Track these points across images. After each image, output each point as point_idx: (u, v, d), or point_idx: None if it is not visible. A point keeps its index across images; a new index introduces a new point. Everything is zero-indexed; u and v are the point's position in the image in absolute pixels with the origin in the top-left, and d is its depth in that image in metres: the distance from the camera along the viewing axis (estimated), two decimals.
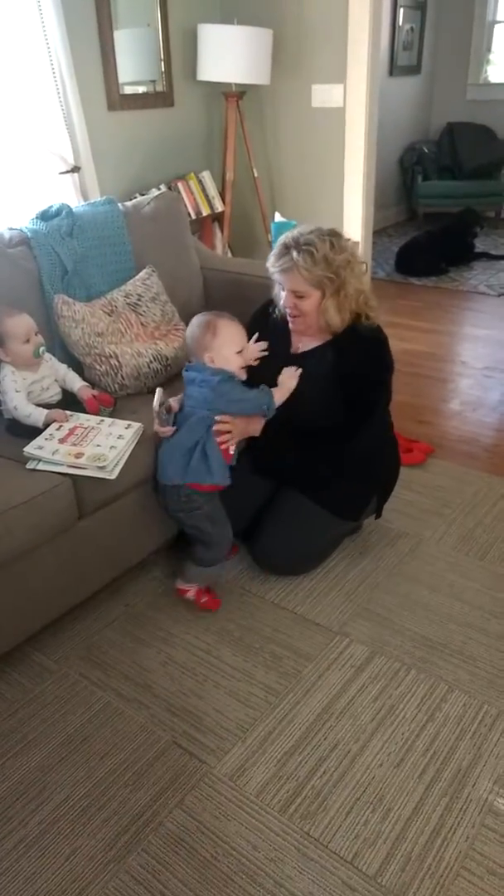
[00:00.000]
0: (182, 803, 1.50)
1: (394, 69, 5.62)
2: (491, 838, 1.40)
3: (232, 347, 1.86)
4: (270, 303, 2.15)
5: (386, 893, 1.32)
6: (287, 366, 2.03)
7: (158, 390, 2.04)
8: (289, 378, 1.91)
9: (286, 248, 1.88)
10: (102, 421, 2.03)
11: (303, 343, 2.05)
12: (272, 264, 1.92)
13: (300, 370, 1.92)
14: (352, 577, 2.12)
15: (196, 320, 1.88)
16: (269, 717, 1.69)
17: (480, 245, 5.07)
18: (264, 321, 2.13)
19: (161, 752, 1.61)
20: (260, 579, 2.14)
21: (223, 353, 1.86)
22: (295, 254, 1.84)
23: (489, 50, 6.12)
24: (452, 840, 1.40)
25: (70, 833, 1.45)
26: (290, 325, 1.99)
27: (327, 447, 2.00)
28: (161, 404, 2.01)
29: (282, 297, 1.97)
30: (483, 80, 6.09)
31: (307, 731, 1.65)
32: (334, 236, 1.89)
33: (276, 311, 2.11)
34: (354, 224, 3.92)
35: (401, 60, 5.70)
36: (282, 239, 1.92)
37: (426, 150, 5.80)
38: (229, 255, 3.86)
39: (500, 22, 6.08)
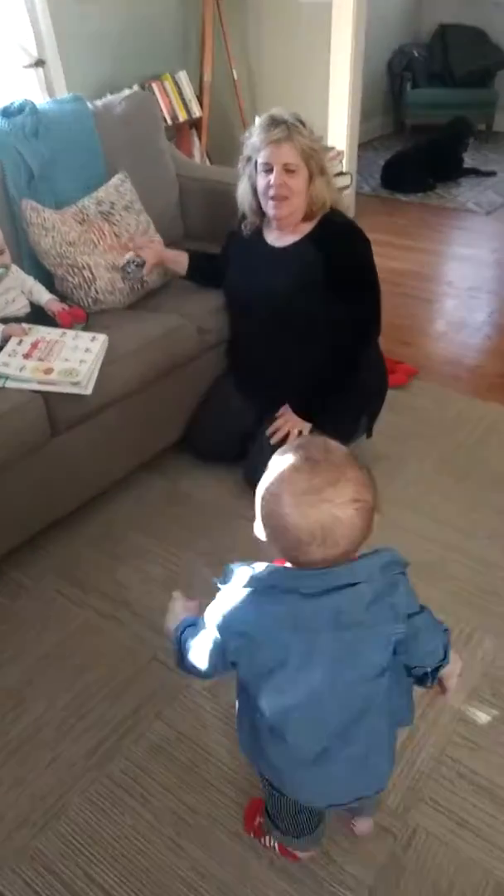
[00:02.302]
0: (161, 714, 1.52)
1: None
2: (462, 745, 1.45)
3: None
4: (233, 232, 2.15)
5: None
6: (271, 263, 2.00)
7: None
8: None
9: (276, 120, 1.84)
10: (65, 334, 1.95)
11: (279, 240, 2.02)
12: (262, 138, 1.85)
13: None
14: None
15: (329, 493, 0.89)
16: None
17: (469, 160, 4.88)
18: (234, 238, 2.15)
19: (141, 668, 1.63)
20: (237, 498, 2.12)
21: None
22: (291, 121, 1.83)
23: None
24: (425, 746, 1.44)
25: (51, 742, 1.48)
26: (274, 210, 1.92)
27: (351, 353, 2.00)
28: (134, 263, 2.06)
29: (262, 183, 1.90)
30: None
31: None
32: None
33: (245, 227, 2.08)
34: (339, 133, 3.74)
35: None
36: (264, 117, 1.88)
37: (416, 55, 5.47)
38: (207, 163, 3.67)
39: None
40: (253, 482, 2.05)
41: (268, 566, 0.90)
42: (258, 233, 2.06)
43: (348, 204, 2.11)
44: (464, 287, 3.43)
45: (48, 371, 1.81)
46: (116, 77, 3.25)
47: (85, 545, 1.98)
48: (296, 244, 1.98)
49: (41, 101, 2.60)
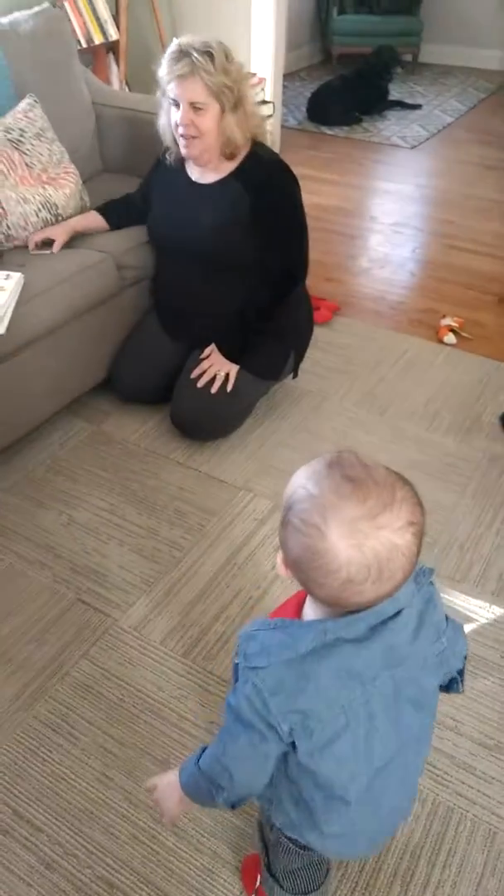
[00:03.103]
0: (87, 654, 1.53)
1: None
2: None
3: None
4: (157, 163, 2.06)
5: None
6: (195, 200, 1.94)
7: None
8: None
9: (182, 53, 1.72)
10: None
11: (202, 177, 1.95)
12: (167, 71, 1.75)
13: None
14: (256, 435, 2.13)
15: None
16: (173, 571, 1.72)
17: (395, 93, 4.81)
18: (157, 171, 2.07)
19: (65, 609, 1.63)
20: (164, 439, 2.11)
21: None
22: (196, 55, 1.70)
23: None
24: None
25: None
26: (185, 149, 1.85)
27: (278, 295, 1.97)
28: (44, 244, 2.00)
29: (174, 119, 1.81)
30: None
31: (210, 581, 1.70)
32: (225, 47, 1.77)
33: (167, 156, 1.99)
34: (264, 61, 3.60)
35: None
36: (173, 45, 1.75)
37: None
38: (127, 91, 3.49)
39: None
40: (179, 422, 2.07)
41: (300, 623, 0.78)
42: (181, 166, 1.98)
43: (272, 136, 2.03)
44: (388, 223, 3.43)
45: None
46: None
47: (6, 491, 1.94)
48: (220, 181, 1.91)
49: None
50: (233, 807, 0.88)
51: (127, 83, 3.57)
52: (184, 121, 1.77)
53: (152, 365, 2.15)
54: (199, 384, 1.98)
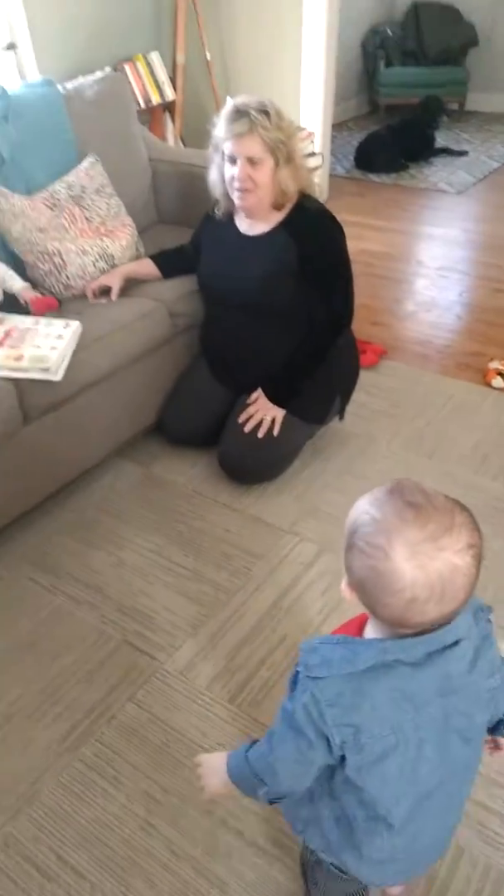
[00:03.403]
0: (134, 697, 1.54)
1: None
2: None
3: None
4: (207, 216, 2.14)
5: None
6: (243, 251, 2.00)
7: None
8: None
9: (240, 112, 1.81)
10: (38, 322, 1.94)
11: (251, 228, 2.01)
12: (226, 131, 1.83)
13: None
14: (303, 477, 2.14)
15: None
16: (219, 614, 1.72)
17: (441, 140, 4.89)
18: (207, 223, 2.14)
19: (113, 651, 1.64)
20: (211, 482, 2.13)
21: None
22: (254, 113, 1.79)
23: None
24: None
25: (25, 727, 1.49)
26: (240, 201, 1.92)
27: (324, 343, 2.01)
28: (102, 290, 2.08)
29: (228, 174, 1.89)
30: None
31: (256, 625, 1.69)
32: (277, 105, 1.87)
33: (217, 211, 2.07)
34: (313, 114, 3.72)
35: None
36: (230, 106, 1.85)
37: (390, 33, 5.44)
38: (181, 146, 3.64)
39: None
40: (226, 465, 2.10)
41: (362, 641, 0.81)
42: (230, 219, 2.05)
43: (321, 185, 2.09)
44: (434, 267, 3.45)
45: (18, 358, 1.80)
46: (88, 58, 3.20)
47: (58, 532, 1.99)
48: (268, 234, 1.97)
49: (13, 84, 2.56)
50: (271, 802, 0.92)
51: (181, 139, 3.73)
52: (241, 175, 1.84)
53: (201, 409, 2.19)
54: (246, 429, 2.01)
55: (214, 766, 0.98)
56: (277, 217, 1.96)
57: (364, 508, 0.76)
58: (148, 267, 2.24)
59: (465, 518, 0.74)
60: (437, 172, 4.57)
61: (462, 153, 4.82)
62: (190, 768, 1.40)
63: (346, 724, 0.78)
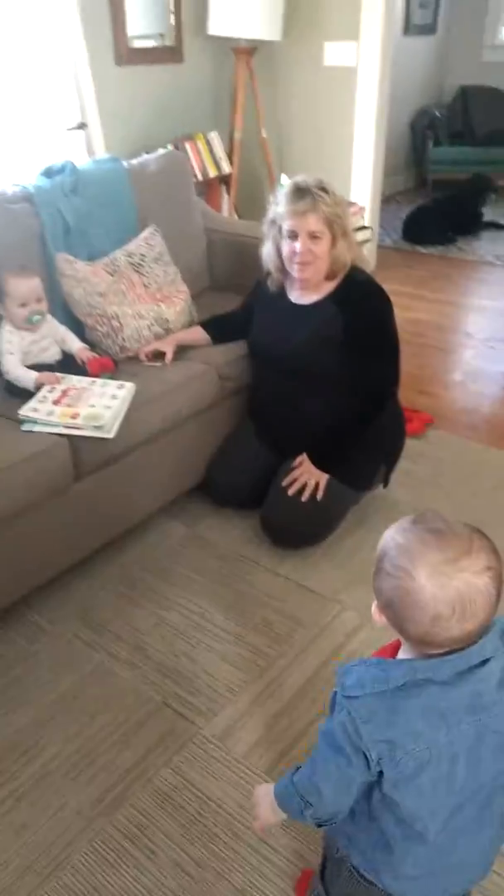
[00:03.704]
0: (170, 762, 1.52)
1: (409, 27, 5.46)
2: None
3: None
4: (259, 284, 2.21)
5: None
6: (293, 319, 2.06)
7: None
8: None
9: (302, 190, 1.90)
10: (94, 382, 2.02)
11: (302, 297, 2.08)
12: (288, 208, 1.91)
13: None
14: (346, 545, 2.13)
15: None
16: (258, 681, 1.70)
17: (489, 214, 4.99)
18: (258, 293, 2.22)
19: (151, 712, 1.63)
20: (254, 544, 2.14)
21: None
22: (315, 191, 1.88)
23: None
24: None
25: (60, 787, 1.48)
26: (300, 272, 1.98)
27: (369, 411, 2.04)
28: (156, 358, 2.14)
29: (287, 248, 1.96)
30: (499, 41, 5.89)
31: (296, 694, 1.66)
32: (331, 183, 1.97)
33: (269, 283, 2.14)
34: (363, 189, 3.85)
35: (416, 19, 5.52)
36: (290, 185, 1.94)
37: (438, 115, 5.66)
38: (235, 217, 3.80)
39: None
40: (269, 528, 2.10)
41: (393, 661, 0.86)
42: (282, 289, 2.12)
43: (369, 257, 2.16)
44: (482, 338, 3.48)
45: (74, 416, 1.87)
46: (152, 137, 3.41)
47: (102, 588, 2.01)
48: (318, 303, 2.04)
49: (82, 161, 2.73)
50: (319, 825, 0.94)
51: (236, 209, 3.89)
52: (303, 249, 1.92)
53: (246, 470, 2.22)
54: (290, 492, 2.02)
55: (262, 795, 1.02)
56: (328, 287, 2.03)
57: (391, 536, 0.84)
58: (199, 334, 2.32)
59: (483, 543, 0.81)
60: (485, 246, 4.65)
61: None
62: (224, 841, 1.37)
63: (381, 739, 0.82)
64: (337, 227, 1.92)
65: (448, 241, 4.68)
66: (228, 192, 3.82)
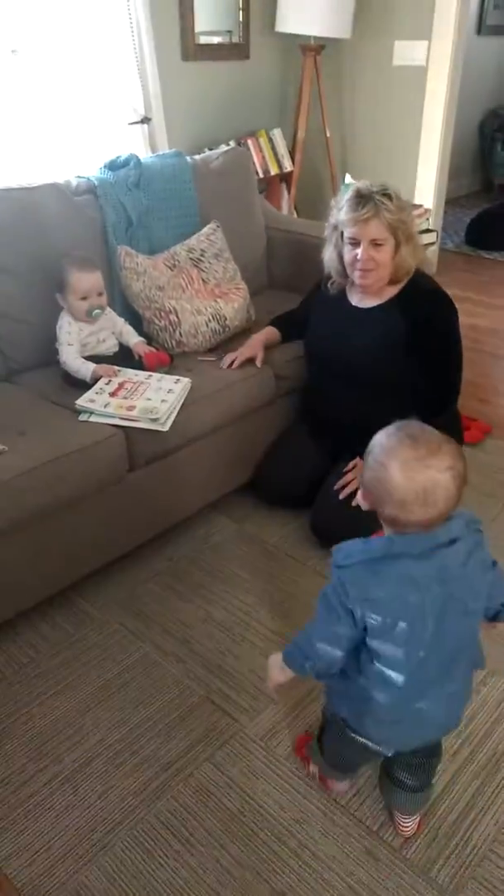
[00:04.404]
0: (212, 758, 1.52)
1: (482, 27, 5.34)
2: None
3: None
4: (318, 285, 2.16)
5: (409, 866, 1.31)
6: (353, 322, 2.02)
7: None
8: None
9: (364, 197, 1.84)
10: (151, 376, 2.03)
11: (363, 301, 2.03)
12: (350, 215, 1.86)
13: None
14: None
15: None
16: (302, 684, 1.68)
17: None
18: (318, 294, 2.17)
19: (195, 707, 1.63)
20: (303, 545, 2.12)
21: None
22: (378, 197, 1.83)
23: None
24: (482, 823, 1.38)
25: (103, 773, 1.49)
26: (361, 279, 1.93)
27: (428, 419, 1.95)
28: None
29: (349, 255, 1.92)
30: None
31: None
32: (396, 187, 1.91)
33: (330, 286, 2.10)
34: (426, 192, 3.79)
35: (490, 19, 5.40)
36: (351, 191, 1.89)
37: None
38: (295, 216, 3.78)
39: None
40: (318, 530, 2.08)
41: (375, 538, 1.04)
42: (342, 292, 2.09)
43: (432, 260, 2.10)
44: None
45: (130, 408, 1.88)
46: (215, 133, 3.41)
47: (150, 580, 2.02)
48: (380, 307, 1.99)
49: (144, 155, 2.76)
50: (318, 677, 1.14)
51: (296, 208, 3.87)
52: (365, 257, 1.87)
53: (297, 470, 2.20)
54: (341, 495, 2.00)
55: (273, 660, 1.22)
56: (391, 292, 1.98)
57: (378, 437, 1.05)
58: (274, 334, 2.30)
59: (450, 448, 1.00)
60: None
61: None
62: (263, 841, 1.36)
63: (363, 598, 1.03)
64: (401, 234, 1.86)
65: None
66: (289, 191, 3.80)
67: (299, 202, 3.87)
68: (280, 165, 3.71)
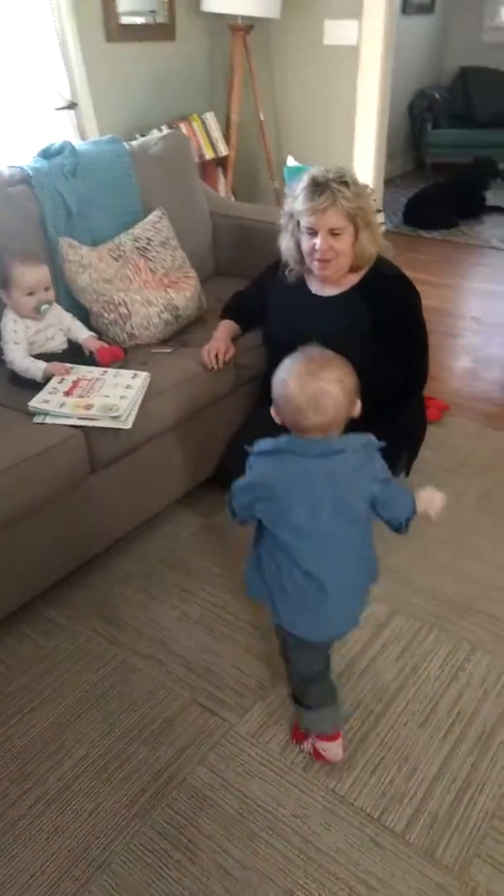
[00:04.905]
0: (204, 760, 1.47)
1: (407, 6, 5.35)
2: None
3: None
4: (276, 266, 2.07)
5: (414, 851, 1.30)
6: (314, 311, 1.96)
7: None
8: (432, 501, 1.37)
9: (320, 185, 1.76)
10: (106, 372, 1.95)
11: (323, 289, 1.97)
12: (307, 205, 1.78)
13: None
14: None
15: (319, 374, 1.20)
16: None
17: (491, 198, 4.93)
18: (274, 279, 2.08)
19: (180, 710, 1.58)
20: None
21: None
22: (334, 185, 1.75)
23: None
24: (479, 800, 1.39)
25: (91, 790, 1.43)
26: (321, 270, 1.87)
27: (395, 404, 1.95)
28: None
29: (306, 245, 1.85)
30: (500, 21, 5.80)
31: None
32: (351, 171, 1.84)
33: (288, 273, 2.02)
34: (365, 171, 3.77)
35: None
36: (306, 180, 1.81)
37: (437, 97, 5.58)
38: (232, 200, 3.72)
39: None
40: (227, 477, 2.03)
41: (282, 437, 1.23)
42: (301, 279, 2.02)
43: (389, 244, 2.04)
44: (491, 323, 3.43)
45: (88, 406, 1.80)
46: (146, 117, 3.32)
47: (120, 582, 1.95)
48: (343, 295, 1.93)
49: (75, 142, 2.65)
50: (233, 514, 1.33)
51: (233, 193, 3.81)
52: (323, 247, 1.80)
53: None
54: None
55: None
56: (351, 279, 1.93)
57: (285, 362, 1.23)
58: (233, 327, 2.22)
59: (340, 363, 1.21)
60: (489, 230, 4.60)
61: None
62: (266, 841, 1.33)
63: (262, 482, 1.23)
64: (360, 220, 1.79)
65: (451, 225, 4.63)
66: (225, 175, 3.74)
67: (236, 186, 3.81)
68: (215, 149, 3.64)
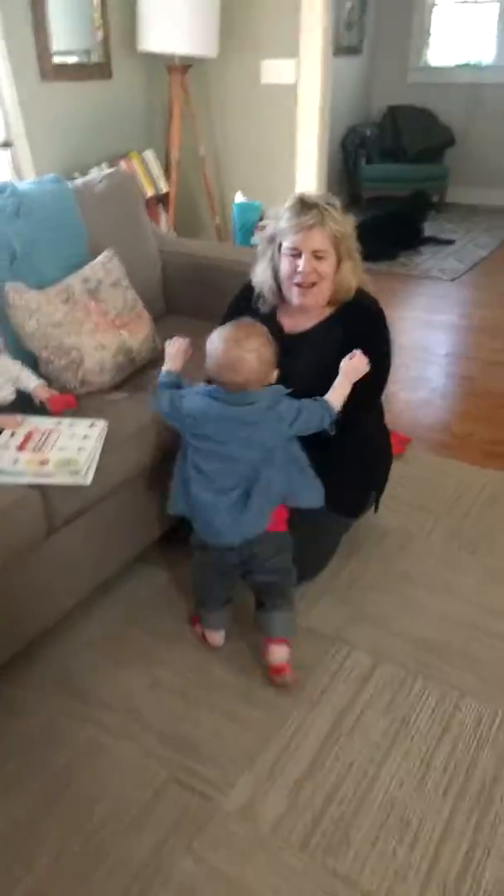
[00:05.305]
0: (191, 848, 1.35)
1: (336, 48, 5.49)
2: None
3: None
4: (248, 290, 1.98)
5: None
6: (286, 352, 1.85)
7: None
8: (355, 366, 1.70)
9: (308, 204, 1.71)
10: (60, 422, 1.82)
11: (295, 326, 1.89)
12: (292, 223, 1.72)
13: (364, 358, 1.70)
14: (343, 578, 2.01)
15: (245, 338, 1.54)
16: (273, 740, 1.55)
17: (427, 230, 5.05)
18: (246, 307, 1.95)
19: (159, 790, 1.45)
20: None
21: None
22: (323, 205, 1.70)
23: (428, 32, 6.07)
24: (487, 864, 1.31)
25: (69, 894, 1.28)
26: (299, 298, 1.79)
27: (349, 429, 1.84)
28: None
29: (286, 268, 1.77)
30: (423, 63, 6.04)
31: (318, 752, 1.52)
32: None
33: (261, 302, 1.93)
34: None
35: (343, 40, 5.58)
36: (292, 199, 1.76)
37: (368, 133, 5.73)
38: (174, 237, 3.67)
39: (437, 5, 6.05)
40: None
41: (213, 386, 1.55)
42: (272, 316, 1.92)
43: (367, 278, 1.96)
44: (441, 353, 3.46)
45: (43, 462, 1.67)
46: (84, 156, 3.24)
47: (83, 649, 1.81)
48: (316, 328, 1.86)
49: (16, 181, 2.55)
50: (168, 425, 1.68)
51: (175, 230, 3.77)
52: (306, 268, 1.72)
53: None
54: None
55: (167, 356, 1.78)
56: (325, 312, 1.86)
57: (222, 328, 1.55)
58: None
59: (260, 334, 1.54)
60: (428, 261, 4.69)
61: (449, 242, 4.98)
62: None
63: (190, 415, 1.58)
64: (343, 249, 1.74)
65: (389, 256, 4.70)
66: (166, 212, 3.69)
67: (178, 223, 3.77)
68: (156, 187, 3.59)
